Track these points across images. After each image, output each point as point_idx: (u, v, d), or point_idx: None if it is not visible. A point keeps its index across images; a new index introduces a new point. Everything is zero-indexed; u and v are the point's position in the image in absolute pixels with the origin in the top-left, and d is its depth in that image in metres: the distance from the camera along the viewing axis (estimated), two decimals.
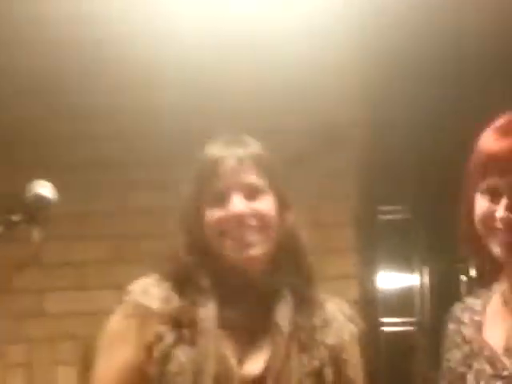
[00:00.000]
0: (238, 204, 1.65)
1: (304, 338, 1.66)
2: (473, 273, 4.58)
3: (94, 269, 4.09)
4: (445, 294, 4.61)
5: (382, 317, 4.46)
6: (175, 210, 1.74)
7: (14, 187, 1.84)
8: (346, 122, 3.97)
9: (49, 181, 1.74)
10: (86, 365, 4.00)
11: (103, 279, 4.04)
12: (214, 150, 1.72)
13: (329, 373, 1.66)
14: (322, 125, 3.96)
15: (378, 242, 4.63)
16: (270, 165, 1.72)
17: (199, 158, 1.74)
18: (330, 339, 1.69)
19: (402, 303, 4.66)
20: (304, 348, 1.65)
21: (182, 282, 1.67)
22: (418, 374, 4.64)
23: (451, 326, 1.71)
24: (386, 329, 4.43)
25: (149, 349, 1.63)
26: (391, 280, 4.74)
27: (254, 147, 1.72)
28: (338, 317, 1.73)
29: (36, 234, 1.69)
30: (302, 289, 1.70)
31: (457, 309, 1.74)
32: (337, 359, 1.68)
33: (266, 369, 1.62)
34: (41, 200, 1.70)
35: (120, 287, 4.20)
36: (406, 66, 4.05)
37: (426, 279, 4.70)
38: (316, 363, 1.65)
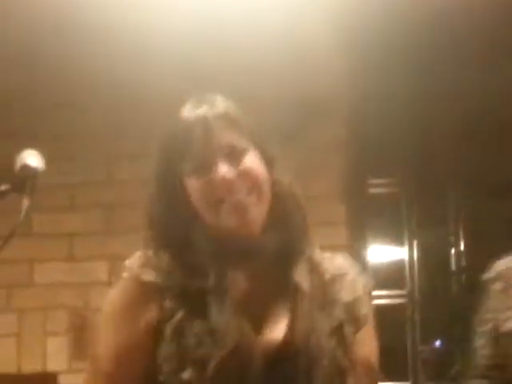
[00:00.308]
0: (222, 169, 1.52)
1: (321, 297, 1.56)
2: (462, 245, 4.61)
3: (83, 239, 4.10)
4: (434, 267, 4.63)
5: (372, 290, 4.47)
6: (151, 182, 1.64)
7: (2, 157, 1.86)
8: (334, 95, 3.97)
9: (37, 151, 1.70)
10: (76, 335, 4.02)
11: (93, 250, 4.06)
12: (184, 115, 1.58)
13: (349, 331, 1.56)
14: (310, 98, 3.95)
15: (367, 216, 4.63)
16: (246, 121, 1.58)
17: (168, 125, 1.61)
18: (345, 295, 1.59)
19: (391, 276, 4.67)
20: (323, 307, 1.55)
21: (181, 254, 1.56)
22: (408, 346, 4.67)
23: (497, 286, 1.61)
24: (375, 302, 4.44)
25: (156, 326, 1.51)
26: (381, 253, 4.75)
27: (225, 105, 1.58)
28: (348, 271, 1.63)
29: (25, 203, 1.63)
30: (306, 246, 1.59)
31: (501, 267, 1.63)
32: (353, 316, 1.58)
33: (289, 333, 1.50)
34: (28, 169, 1.66)
35: (110, 258, 4.23)
36: (393, 36, 4.02)
37: (416, 252, 4.72)
38: (335, 322, 1.55)
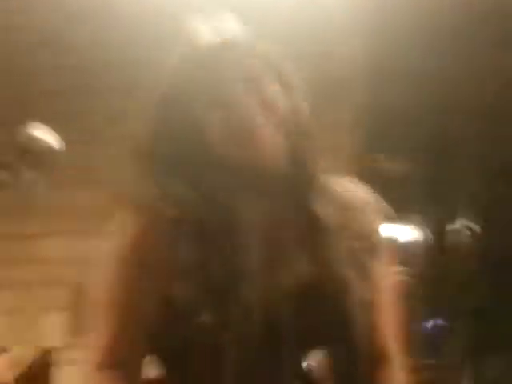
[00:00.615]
0: (242, 100, 1.41)
1: (337, 225, 1.45)
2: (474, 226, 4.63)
3: (85, 214, 4.09)
4: (444, 247, 4.65)
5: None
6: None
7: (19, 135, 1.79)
8: (345, 76, 3.97)
9: (53, 128, 1.72)
10: (75, 311, 4.01)
11: (96, 226, 4.02)
12: (195, 38, 1.48)
13: (367, 259, 1.45)
14: (320, 79, 3.93)
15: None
16: (263, 45, 1.49)
17: (178, 48, 1.50)
18: (359, 222, 1.46)
19: (401, 256, 4.68)
20: (340, 236, 1.44)
21: (196, 186, 1.41)
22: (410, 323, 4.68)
23: None
24: None
25: (171, 264, 1.36)
26: (392, 234, 4.75)
27: (239, 28, 1.49)
28: (361, 196, 1.51)
29: (42, 182, 1.67)
30: (320, 175, 1.48)
31: None
32: (369, 243, 1.46)
33: (315, 265, 1.40)
34: (44, 146, 1.69)
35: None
36: (407, 17, 4.03)
37: (426, 233, 4.72)
38: (352, 251, 1.44)
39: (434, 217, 4.73)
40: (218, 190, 1.39)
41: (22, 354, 3.69)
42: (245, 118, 1.40)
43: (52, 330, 4.07)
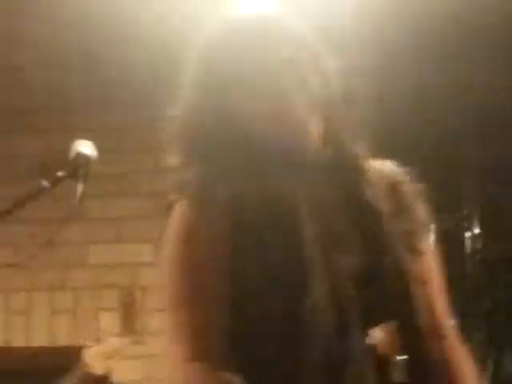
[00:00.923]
0: (286, 91, 1.37)
1: (387, 208, 1.43)
2: (477, 230, 4.65)
3: (131, 223, 4.31)
4: (449, 251, 4.71)
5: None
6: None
7: (60, 147, 1.95)
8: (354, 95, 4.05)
9: (90, 141, 1.81)
10: (125, 311, 4.23)
11: (140, 233, 4.27)
12: (234, 19, 1.42)
13: (419, 243, 1.45)
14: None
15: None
16: (300, 28, 1.44)
17: (215, 32, 1.44)
18: (405, 206, 1.46)
19: None
20: (391, 219, 1.42)
21: (245, 170, 1.36)
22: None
23: None
24: None
25: (233, 252, 1.31)
26: None
27: (277, 9, 1.44)
28: (402, 179, 1.49)
29: (79, 188, 1.73)
30: (362, 158, 1.46)
31: None
32: (418, 225, 1.47)
33: (372, 251, 1.37)
34: (82, 157, 1.76)
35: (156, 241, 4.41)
36: (415, 33, 3.98)
37: (432, 237, 4.75)
38: (404, 235, 1.43)
39: (442, 222, 4.74)
40: (265, 177, 1.36)
41: (115, 345, 3.59)
42: (285, 103, 1.37)
43: (106, 329, 4.19)
